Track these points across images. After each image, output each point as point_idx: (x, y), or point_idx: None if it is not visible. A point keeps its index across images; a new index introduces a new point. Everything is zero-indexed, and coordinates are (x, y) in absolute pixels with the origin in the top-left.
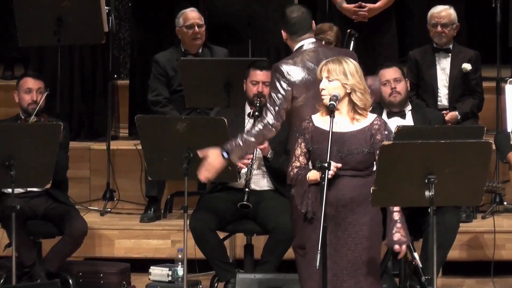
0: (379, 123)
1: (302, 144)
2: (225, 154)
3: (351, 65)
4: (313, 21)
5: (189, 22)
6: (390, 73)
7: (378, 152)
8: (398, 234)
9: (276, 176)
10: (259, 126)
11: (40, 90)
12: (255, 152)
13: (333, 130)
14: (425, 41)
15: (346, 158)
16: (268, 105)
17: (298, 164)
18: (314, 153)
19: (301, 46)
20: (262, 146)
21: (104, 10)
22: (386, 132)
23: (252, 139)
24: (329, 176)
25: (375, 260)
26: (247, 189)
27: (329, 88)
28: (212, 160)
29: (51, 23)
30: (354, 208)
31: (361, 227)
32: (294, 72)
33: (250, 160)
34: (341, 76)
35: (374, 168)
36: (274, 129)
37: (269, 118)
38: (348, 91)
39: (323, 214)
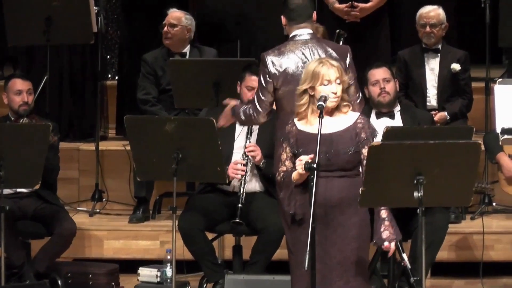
0: (362, 121)
1: (287, 148)
2: (232, 113)
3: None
4: (315, 12)
5: (164, 21)
6: (380, 73)
7: (363, 150)
8: (387, 232)
9: (268, 181)
10: (249, 111)
11: (30, 91)
12: (248, 163)
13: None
14: (415, 41)
15: (334, 158)
16: (256, 94)
17: (284, 168)
18: (299, 156)
19: (295, 35)
20: (257, 159)
21: (93, 10)
22: (370, 130)
23: (243, 118)
24: (302, 171)
25: (364, 261)
26: (240, 205)
27: (339, 90)
28: (227, 112)
29: (40, 22)
30: (343, 208)
31: (350, 228)
32: (278, 62)
33: (243, 176)
34: (345, 76)
35: (361, 168)
36: (259, 119)
37: (257, 107)
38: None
39: (312, 215)
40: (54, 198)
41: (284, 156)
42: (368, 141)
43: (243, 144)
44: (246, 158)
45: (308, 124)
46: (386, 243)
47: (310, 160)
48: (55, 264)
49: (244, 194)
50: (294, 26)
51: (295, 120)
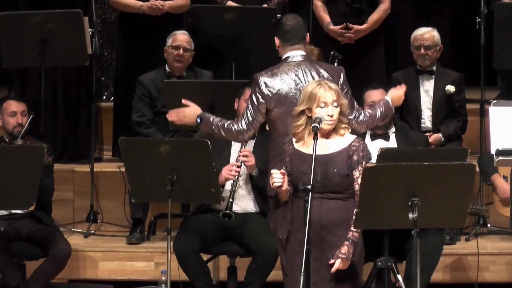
0: (357, 144)
1: (283, 167)
2: (198, 120)
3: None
4: (308, 34)
5: (176, 43)
6: (376, 94)
7: (354, 172)
8: (345, 247)
9: (261, 196)
10: (234, 127)
11: (24, 113)
12: (242, 167)
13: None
14: (410, 63)
15: (323, 181)
16: (244, 112)
17: None
18: (292, 175)
19: (288, 57)
20: (250, 163)
21: (88, 32)
22: (363, 153)
23: (223, 134)
24: (277, 184)
25: (357, 281)
26: (231, 200)
27: (336, 113)
28: (188, 112)
29: (35, 45)
30: (333, 230)
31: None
32: (271, 84)
33: (235, 177)
34: (343, 100)
35: (356, 189)
36: (244, 137)
37: (243, 125)
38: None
39: (306, 237)
40: (49, 220)
41: None
42: (360, 163)
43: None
44: (240, 162)
45: (305, 146)
46: (333, 260)
47: (281, 175)
48: (50, 285)
49: (235, 195)
50: (287, 48)
51: (293, 140)
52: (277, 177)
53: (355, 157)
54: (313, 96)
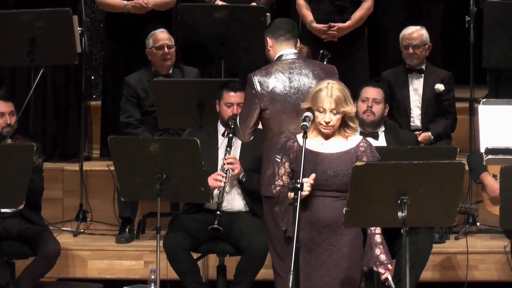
0: (365, 145)
1: (286, 163)
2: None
3: (345, 89)
4: (298, 40)
5: (159, 43)
6: (373, 92)
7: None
8: (383, 255)
9: (250, 196)
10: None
11: (12, 113)
12: (228, 174)
13: (321, 151)
14: (400, 62)
15: (331, 179)
16: (240, 114)
17: (281, 183)
18: (298, 173)
19: (282, 55)
20: (235, 172)
21: (77, 31)
22: (372, 154)
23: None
24: (306, 193)
25: (355, 281)
26: (218, 212)
27: (334, 120)
28: None
29: (24, 43)
30: (335, 229)
31: (341, 248)
32: (265, 83)
33: (223, 182)
34: (346, 108)
35: None
36: (245, 138)
37: (241, 129)
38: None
39: (295, 235)
40: (38, 218)
41: (282, 170)
42: None
43: (223, 157)
44: (226, 170)
45: (312, 142)
46: (382, 269)
47: (313, 182)
48: (39, 284)
49: (223, 203)
50: (281, 46)
51: (298, 136)
52: (307, 186)
53: (364, 158)
54: (315, 98)
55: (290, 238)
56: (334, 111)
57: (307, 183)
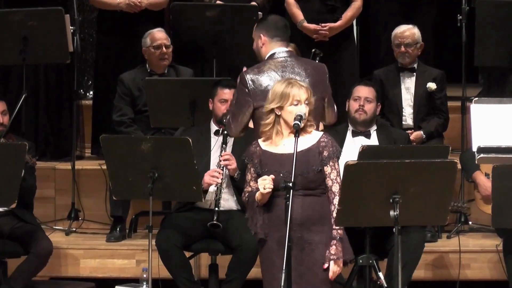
0: (325, 139)
1: (252, 169)
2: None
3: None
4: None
5: (157, 43)
6: (365, 91)
7: (325, 168)
8: (333, 250)
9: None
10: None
11: (5, 112)
12: (224, 171)
13: (282, 152)
14: (392, 61)
15: (297, 178)
16: (231, 112)
17: (249, 189)
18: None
19: (274, 53)
20: (232, 167)
21: (69, 30)
22: (333, 148)
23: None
24: (267, 191)
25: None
26: (216, 208)
27: (307, 111)
28: None
29: (16, 42)
30: (310, 226)
31: (317, 246)
32: (258, 81)
33: (220, 179)
34: (312, 99)
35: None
36: (236, 133)
37: (232, 124)
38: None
39: (288, 234)
40: (31, 217)
41: (248, 176)
42: (331, 159)
43: (218, 154)
44: (222, 166)
45: (273, 145)
46: (327, 264)
47: (271, 181)
48: (31, 283)
49: (221, 199)
50: (274, 44)
51: (259, 141)
52: (268, 183)
53: (325, 153)
54: (286, 95)
55: (262, 241)
56: (307, 101)
57: (266, 180)
